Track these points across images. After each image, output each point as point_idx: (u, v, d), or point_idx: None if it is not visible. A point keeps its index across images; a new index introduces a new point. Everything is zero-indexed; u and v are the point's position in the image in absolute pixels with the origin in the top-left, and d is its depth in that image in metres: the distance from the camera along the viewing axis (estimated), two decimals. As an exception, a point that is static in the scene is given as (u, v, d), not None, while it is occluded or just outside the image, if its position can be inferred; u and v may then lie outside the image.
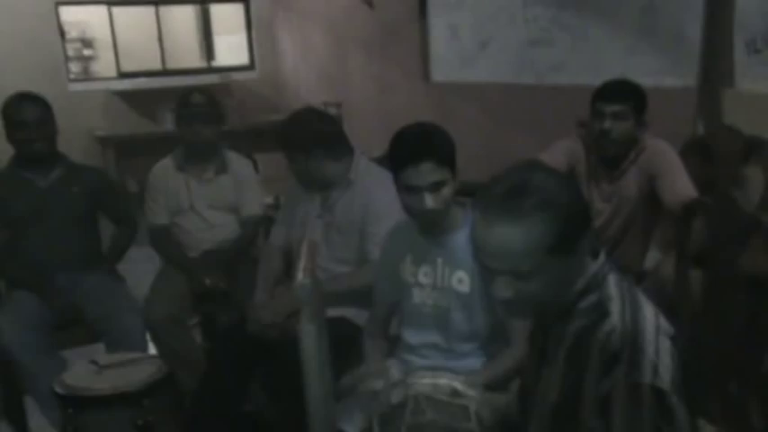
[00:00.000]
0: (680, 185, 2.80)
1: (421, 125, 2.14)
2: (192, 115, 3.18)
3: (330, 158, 2.72)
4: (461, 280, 2.17)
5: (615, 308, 1.36)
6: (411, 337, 2.29)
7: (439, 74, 5.40)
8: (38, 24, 6.37)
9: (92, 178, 3.16)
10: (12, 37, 6.29)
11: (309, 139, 2.69)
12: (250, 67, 7.53)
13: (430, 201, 2.05)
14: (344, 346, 2.19)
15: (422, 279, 2.25)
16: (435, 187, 2.05)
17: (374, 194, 2.69)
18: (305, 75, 7.22)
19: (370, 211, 2.67)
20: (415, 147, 2.06)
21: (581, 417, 1.34)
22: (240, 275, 3.20)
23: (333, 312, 2.71)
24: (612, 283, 1.40)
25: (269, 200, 3.62)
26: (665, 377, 1.28)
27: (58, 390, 2.21)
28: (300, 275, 1.35)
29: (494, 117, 4.72)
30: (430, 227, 2.18)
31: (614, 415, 1.29)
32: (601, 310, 1.36)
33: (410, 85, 5.65)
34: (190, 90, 3.34)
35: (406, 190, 2.07)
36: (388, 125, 5.51)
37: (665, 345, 1.32)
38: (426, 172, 2.03)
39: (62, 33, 6.61)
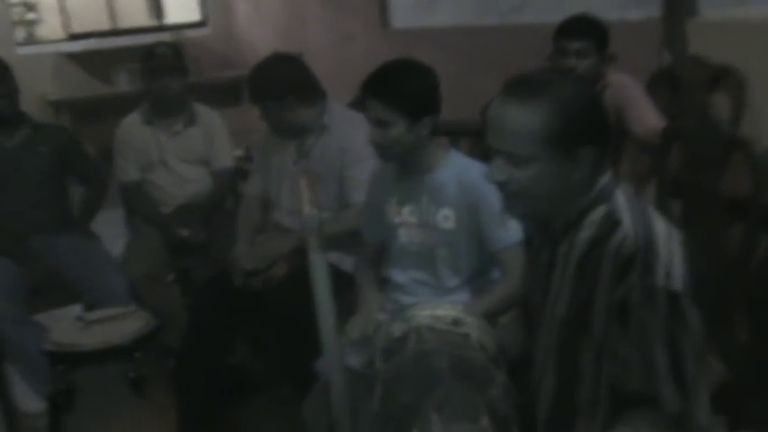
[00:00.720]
0: (649, 117, 2.84)
1: (394, 64, 2.16)
2: (158, 68, 3.11)
3: (302, 105, 2.69)
4: (447, 217, 2.19)
5: (626, 217, 1.37)
6: (399, 275, 2.30)
7: (398, 20, 5.34)
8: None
9: (58, 137, 3.10)
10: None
11: (279, 86, 2.65)
12: (202, 23, 7.35)
13: (372, 134, 2.12)
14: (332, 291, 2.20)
15: (407, 218, 2.26)
16: (378, 124, 2.10)
17: (351, 138, 2.67)
18: (259, 28, 7.08)
19: (347, 155, 2.66)
20: (366, 81, 2.12)
21: (591, 326, 1.36)
22: (215, 228, 3.17)
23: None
24: (621, 196, 1.42)
25: (239, 152, 3.57)
26: (678, 281, 1.31)
27: (47, 347, 2.17)
28: (307, 207, 1.34)
29: (457, 60, 4.69)
30: (386, 160, 2.23)
31: (630, 319, 1.31)
32: (611, 221, 1.38)
33: (369, 33, 5.58)
34: (155, 43, 3.27)
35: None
36: (348, 75, 5.45)
37: (677, 250, 1.35)
38: (371, 107, 2.10)
39: (4, -2, 6.39)
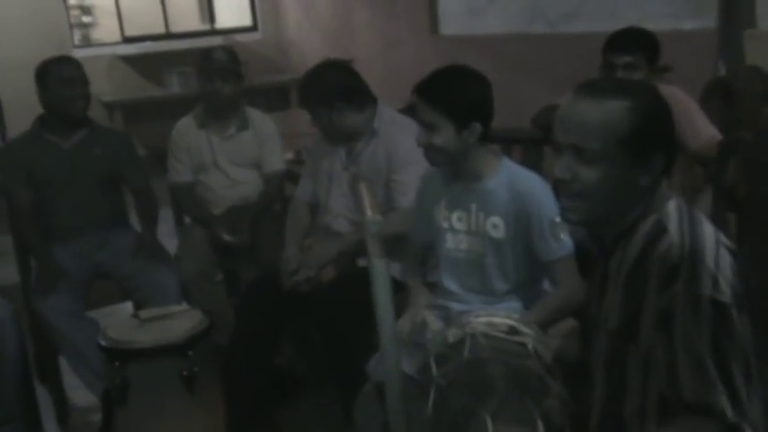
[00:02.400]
0: (703, 129, 2.80)
1: (447, 69, 2.17)
2: (212, 72, 3.15)
3: (353, 110, 2.70)
4: (496, 225, 2.18)
5: (673, 224, 1.36)
6: (447, 282, 2.30)
7: (447, 27, 5.35)
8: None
9: (114, 141, 3.15)
10: (16, 4, 6.25)
11: (330, 92, 2.67)
12: (253, 28, 7.46)
13: (420, 137, 2.13)
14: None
15: (455, 224, 2.26)
16: (426, 128, 2.11)
17: (398, 142, 2.69)
18: (308, 34, 7.15)
19: (394, 159, 2.68)
20: (418, 84, 2.14)
21: (640, 335, 1.35)
22: (263, 231, 3.20)
23: (363, 262, 2.73)
24: (672, 205, 1.40)
25: (289, 155, 3.60)
26: (726, 290, 1.28)
27: (103, 343, 2.21)
28: (369, 213, 1.35)
29: (506, 68, 4.67)
30: (433, 165, 2.23)
31: (674, 328, 1.29)
32: (658, 228, 1.36)
33: (418, 39, 5.60)
34: (212, 48, 3.32)
35: None
36: (395, 81, 5.45)
37: (726, 257, 1.32)
38: (421, 110, 2.11)
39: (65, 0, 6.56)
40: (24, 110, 3.76)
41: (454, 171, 2.22)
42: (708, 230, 1.36)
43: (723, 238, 1.37)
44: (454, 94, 2.09)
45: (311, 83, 2.75)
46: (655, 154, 1.37)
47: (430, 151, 2.15)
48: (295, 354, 3.18)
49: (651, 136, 1.36)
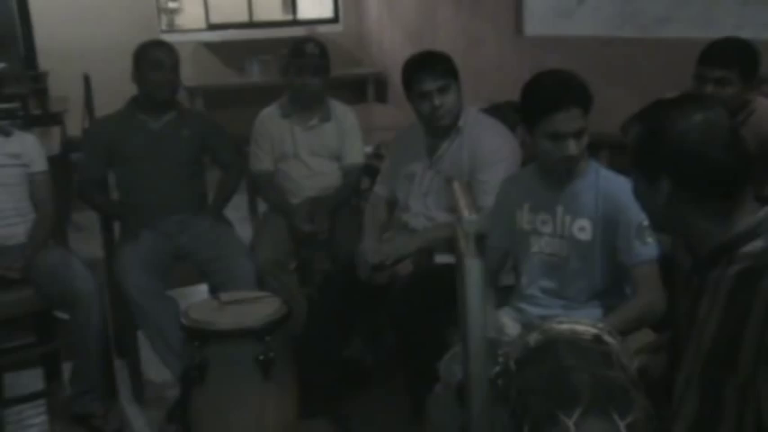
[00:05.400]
0: None
1: (558, 72, 2.12)
2: (303, 66, 3.18)
3: (459, 94, 2.72)
4: (583, 228, 2.15)
5: None
6: (527, 285, 2.27)
7: (532, 27, 5.27)
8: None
9: (201, 123, 3.22)
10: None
11: (454, 65, 2.73)
12: (334, 20, 7.51)
13: (574, 147, 2.06)
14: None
15: (540, 227, 2.23)
16: (579, 134, 2.05)
17: (482, 142, 2.68)
18: (389, 28, 7.15)
19: (478, 159, 2.67)
20: (565, 92, 2.05)
21: (738, 363, 1.31)
22: (339, 222, 3.23)
23: (440, 259, 2.72)
24: None
25: (369, 149, 3.61)
26: None
27: (185, 322, 2.26)
28: (465, 212, 1.35)
29: (592, 71, 4.52)
30: (563, 175, 2.15)
31: None
32: None
33: (501, 38, 5.54)
34: (304, 39, 3.34)
35: (550, 137, 2.06)
36: (477, 80, 5.38)
37: None
38: (574, 118, 2.04)
39: (154, -14, 6.75)
40: (112, 89, 3.88)
41: (547, 174, 2.19)
42: None
43: None
44: (591, 95, 2.09)
45: (435, 55, 2.80)
46: (660, 177, 1.42)
47: (576, 159, 2.10)
48: (364, 347, 3.19)
49: (657, 159, 1.43)
